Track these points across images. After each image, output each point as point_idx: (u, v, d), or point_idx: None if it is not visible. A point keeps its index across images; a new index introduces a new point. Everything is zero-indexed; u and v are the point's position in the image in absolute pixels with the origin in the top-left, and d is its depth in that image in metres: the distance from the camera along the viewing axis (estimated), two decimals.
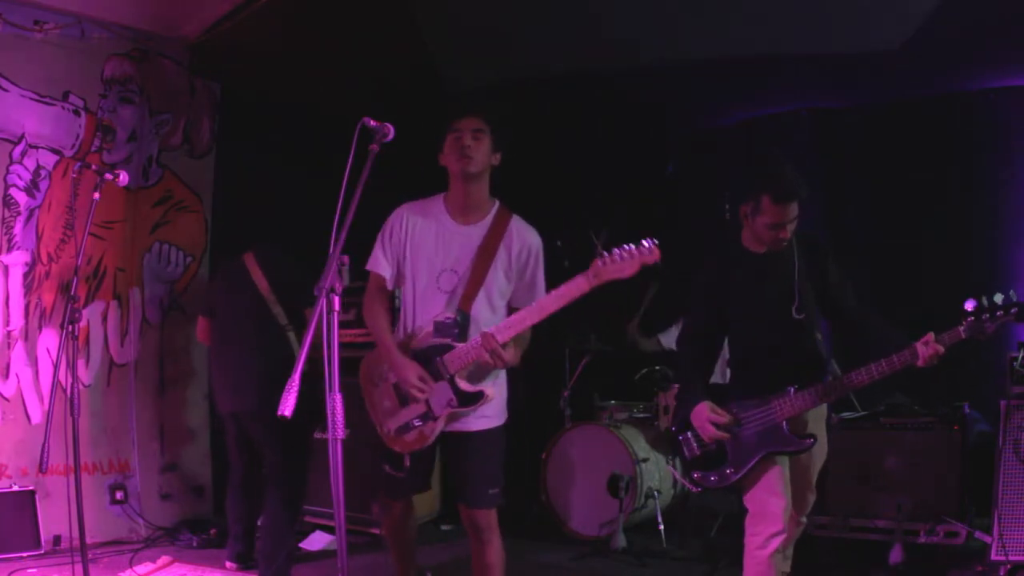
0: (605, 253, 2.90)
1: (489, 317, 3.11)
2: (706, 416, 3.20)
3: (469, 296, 3.08)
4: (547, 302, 2.99)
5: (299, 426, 4.00)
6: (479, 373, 3.11)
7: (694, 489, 3.40)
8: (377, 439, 3.26)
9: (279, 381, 4.18)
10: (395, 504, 3.36)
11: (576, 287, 2.94)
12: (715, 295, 3.34)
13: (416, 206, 3.23)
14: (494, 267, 3.11)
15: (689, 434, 3.35)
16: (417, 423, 3.11)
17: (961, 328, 2.96)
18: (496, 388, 3.17)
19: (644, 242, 2.89)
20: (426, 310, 3.14)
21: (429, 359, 3.09)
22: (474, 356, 3.01)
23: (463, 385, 3.06)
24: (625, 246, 2.90)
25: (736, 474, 3.23)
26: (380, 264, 3.19)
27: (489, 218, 3.16)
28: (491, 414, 3.18)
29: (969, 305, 2.96)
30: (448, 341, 3.07)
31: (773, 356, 3.25)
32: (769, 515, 3.14)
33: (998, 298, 2.94)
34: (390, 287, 3.23)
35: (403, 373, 3.09)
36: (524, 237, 3.16)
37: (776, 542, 3.12)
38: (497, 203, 3.21)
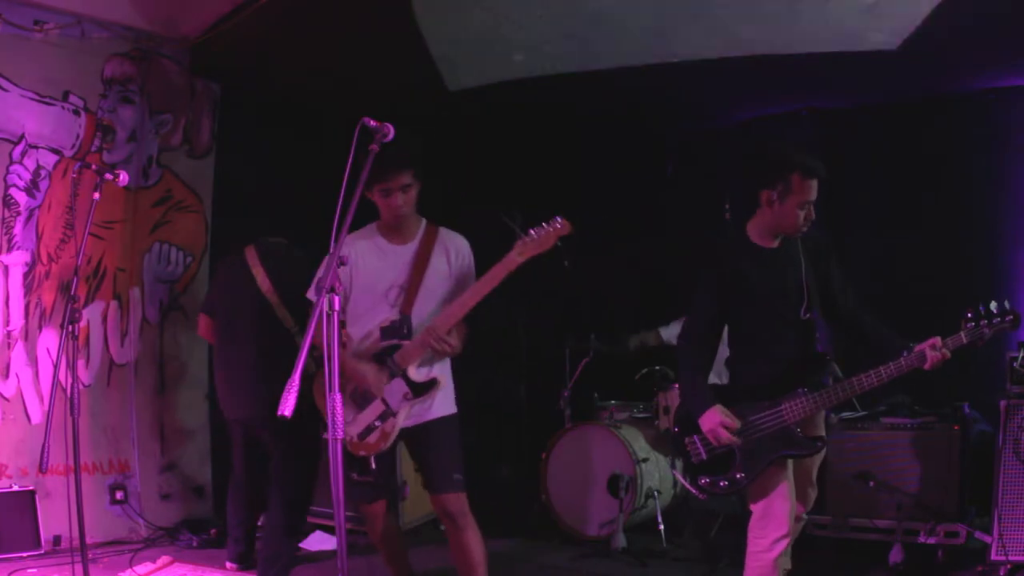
0: (524, 234, 3.25)
1: (429, 314, 3.36)
2: (719, 420, 3.14)
3: (410, 300, 3.37)
4: (481, 285, 3.27)
5: (308, 430, 4.00)
6: (427, 366, 3.38)
7: (701, 496, 3.34)
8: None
9: (281, 384, 4.17)
10: (371, 508, 3.52)
11: (504, 266, 3.25)
12: (722, 290, 3.28)
13: (353, 238, 3.46)
14: (429, 273, 3.40)
15: (696, 438, 3.27)
16: (378, 423, 3.33)
17: (963, 333, 3.04)
18: (445, 378, 3.43)
19: (555, 219, 3.25)
20: (374, 321, 3.40)
21: (381, 361, 3.36)
22: (423, 348, 3.30)
23: (414, 375, 3.33)
24: (540, 226, 3.25)
25: (747, 479, 3.18)
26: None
27: (419, 235, 3.47)
28: (443, 404, 3.44)
29: (968, 313, 3.05)
30: (396, 341, 3.34)
31: (777, 356, 3.23)
32: (776, 518, 3.13)
33: (993, 306, 3.02)
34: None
35: (361, 368, 3.34)
36: (456, 243, 3.50)
37: (782, 545, 3.12)
38: (424, 220, 3.52)
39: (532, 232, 3.24)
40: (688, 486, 3.39)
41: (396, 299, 3.38)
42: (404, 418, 3.34)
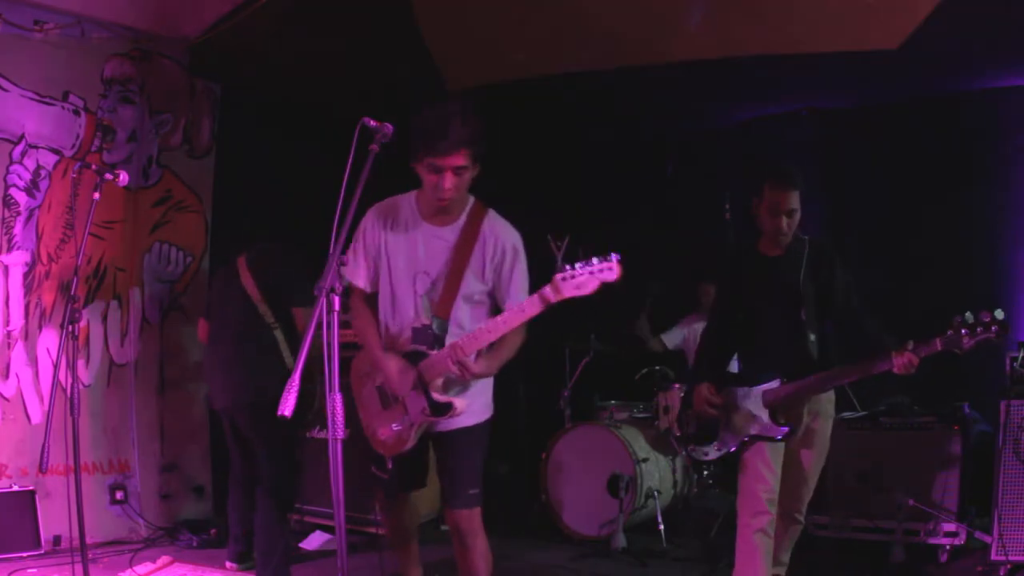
0: (567, 267, 2.75)
1: (468, 319, 3.06)
2: (703, 396, 3.51)
3: (446, 301, 3.03)
4: (510, 317, 2.88)
5: (286, 421, 4.01)
6: (456, 379, 3.06)
7: (687, 461, 3.79)
8: (364, 439, 3.28)
9: (262, 374, 4.27)
10: (387, 502, 3.43)
11: (534, 304, 2.82)
12: (730, 296, 3.63)
13: (386, 207, 3.15)
14: (469, 270, 3.04)
15: (690, 411, 3.65)
16: (396, 427, 3.10)
17: (938, 340, 3.06)
18: (475, 390, 3.13)
19: (608, 258, 2.71)
20: (402, 313, 3.12)
21: (408, 366, 3.09)
22: (446, 366, 2.96)
23: (435, 395, 3.01)
24: (587, 262, 2.73)
25: (718, 452, 3.54)
26: (357, 275, 3.17)
27: (463, 218, 3.07)
28: (475, 410, 3.15)
29: (957, 319, 3.05)
30: (424, 348, 3.05)
31: (774, 353, 3.45)
32: (751, 495, 3.35)
33: (983, 314, 3.02)
34: (369, 292, 3.21)
35: (385, 366, 3.10)
36: (498, 236, 3.07)
37: (760, 521, 3.30)
38: (472, 200, 3.11)
39: (578, 268, 2.72)
40: (677, 447, 3.92)
41: (425, 288, 3.06)
42: (422, 429, 3.10)
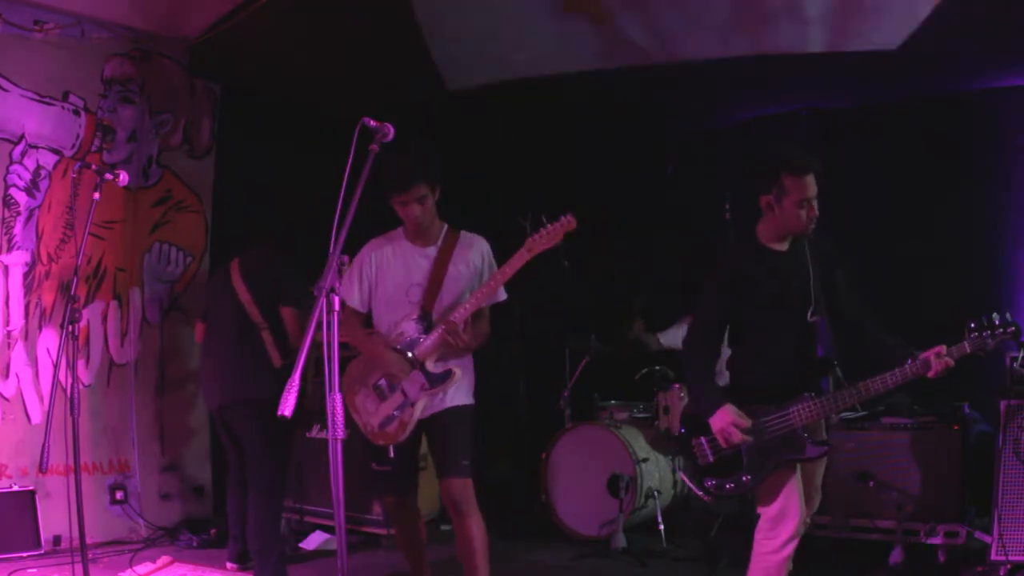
0: (534, 231, 3.43)
1: (452, 308, 3.49)
2: (731, 420, 3.09)
3: (430, 297, 3.53)
4: (492, 281, 3.47)
5: (276, 418, 4.02)
6: (445, 359, 3.52)
7: (706, 498, 3.31)
8: (362, 441, 3.59)
9: (250, 374, 4.33)
10: (391, 500, 3.69)
11: (516, 262, 3.42)
12: (731, 292, 3.24)
13: (380, 241, 3.69)
14: (451, 270, 3.56)
15: (703, 440, 3.22)
16: (396, 413, 3.48)
17: (966, 343, 3.02)
18: (462, 371, 3.55)
19: (563, 216, 3.42)
20: (396, 316, 3.57)
21: (402, 355, 3.52)
22: (440, 342, 3.44)
23: (431, 368, 3.47)
24: (550, 224, 3.43)
25: (753, 481, 3.16)
26: (352, 297, 3.63)
27: (440, 240, 3.64)
28: (458, 394, 3.58)
29: (971, 324, 3.03)
30: (416, 337, 3.49)
31: (779, 358, 3.20)
32: (787, 520, 3.10)
33: (995, 317, 3.01)
34: (362, 312, 3.67)
35: (382, 353, 3.52)
36: (474, 244, 3.65)
37: (792, 547, 3.10)
38: (445, 226, 3.67)
39: (542, 229, 3.41)
40: (694, 488, 3.33)
41: (417, 297, 3.54)
42: (421, 409, 3.49)
